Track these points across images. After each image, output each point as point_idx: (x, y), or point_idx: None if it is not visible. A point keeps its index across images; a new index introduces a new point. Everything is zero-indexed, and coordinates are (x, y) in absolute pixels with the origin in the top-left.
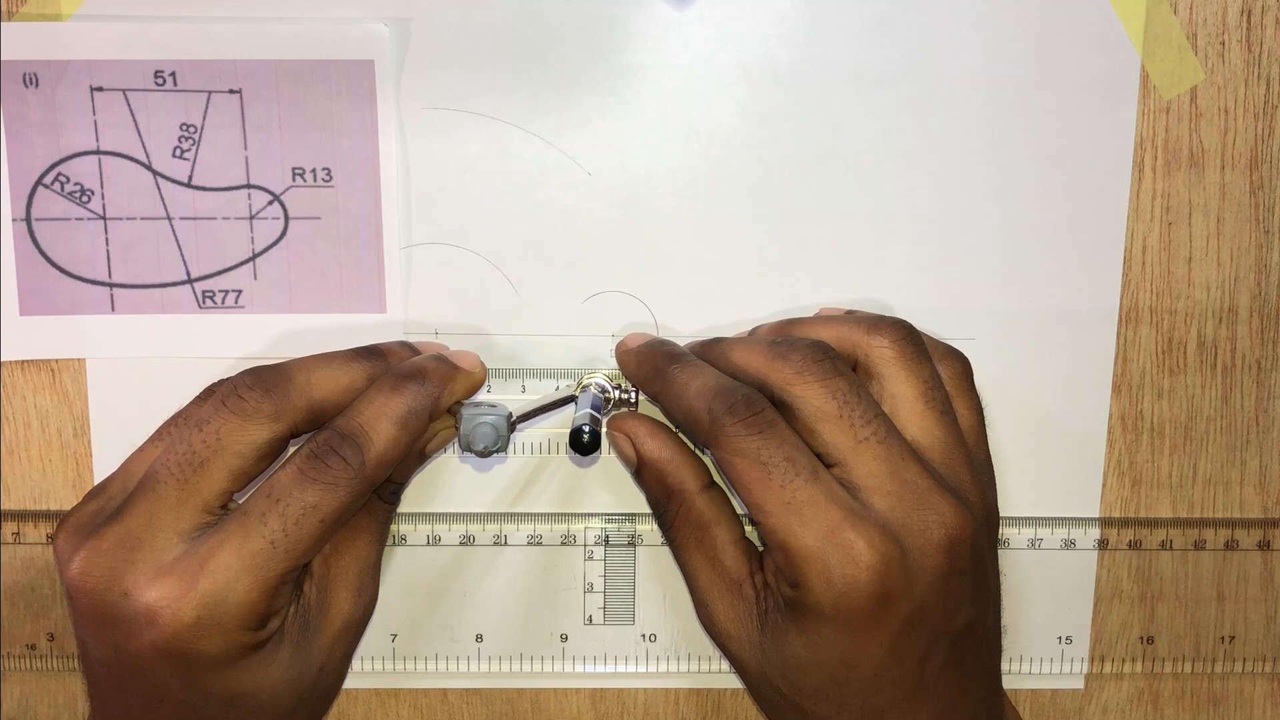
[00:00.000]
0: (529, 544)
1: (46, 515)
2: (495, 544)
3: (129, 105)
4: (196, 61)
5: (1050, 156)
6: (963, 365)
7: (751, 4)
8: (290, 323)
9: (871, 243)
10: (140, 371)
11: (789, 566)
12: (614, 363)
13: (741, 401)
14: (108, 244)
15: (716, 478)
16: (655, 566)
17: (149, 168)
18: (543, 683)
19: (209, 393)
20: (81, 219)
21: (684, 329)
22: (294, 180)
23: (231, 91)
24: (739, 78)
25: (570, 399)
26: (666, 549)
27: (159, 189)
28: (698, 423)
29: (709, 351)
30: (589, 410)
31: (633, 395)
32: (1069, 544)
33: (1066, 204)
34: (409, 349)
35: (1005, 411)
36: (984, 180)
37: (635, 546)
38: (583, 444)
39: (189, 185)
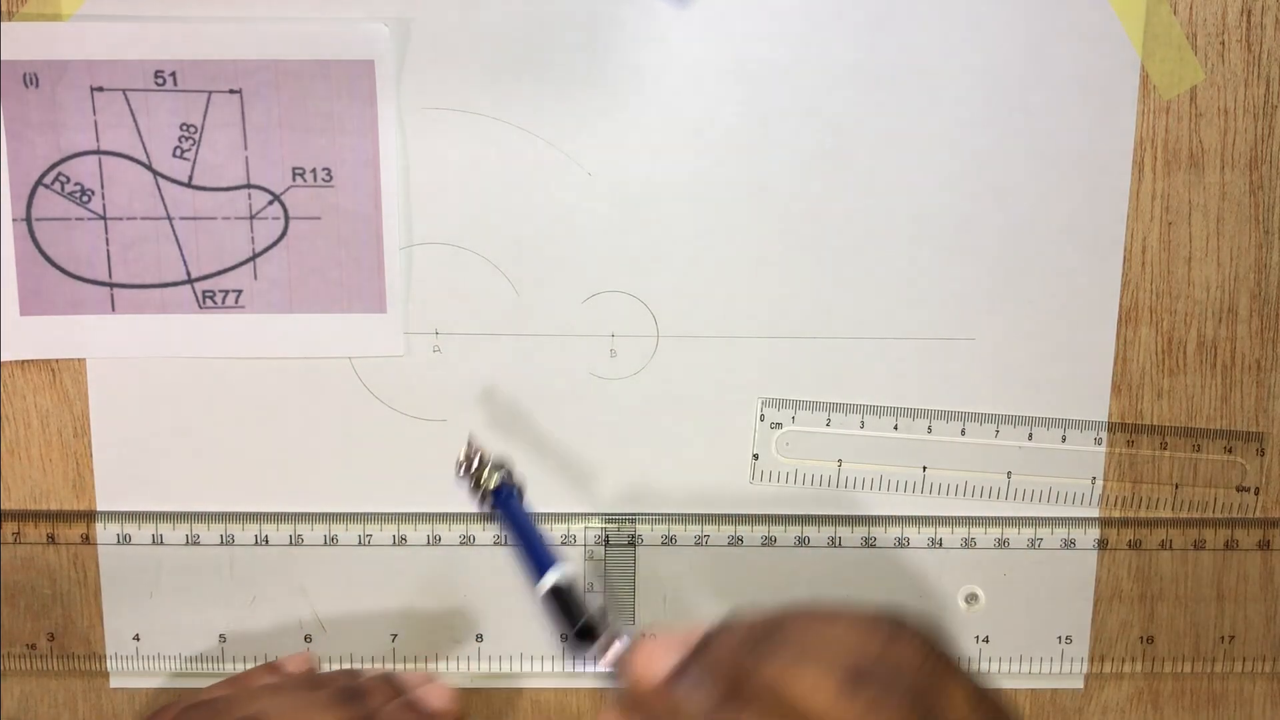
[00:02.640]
0: None
1: (47, 515)
2: (495, 544)
3: (129, 105)
4: (196, 61)
5: (1050, 156)
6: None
7: (751, 4)
8: (290, 322)
9: (871, 243)
10: (140, 371)
11: None
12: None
13: None
14: (108, 244)
15: None
16: (655, 567)
17: (149, 168)
18: (543, 682)
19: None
20: (82, 219)
21: (684, 329)
22: (294, 180)
23: (231, 91)
24: (739, 78)
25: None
26: (667, 549)
27: (159, 189)
28: None
29: (758, 674)
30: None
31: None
32: (1069, 544)
33: (1066, 204)
34: (390, 687)
35: (1005, 411)
36: (984, 180)
37: (635, 546)
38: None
39: (189, 185)
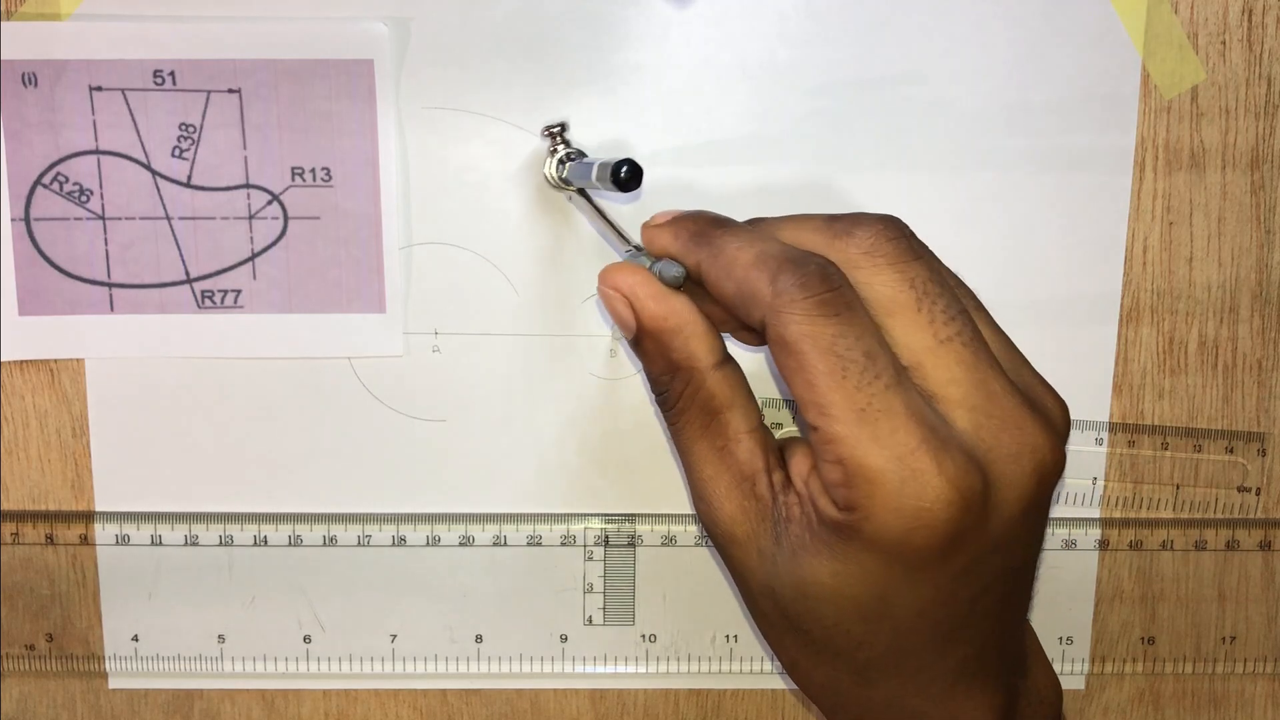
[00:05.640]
0: (529, 544)
1: (45, 516)
2: (495, 544)
3: (128, 105)
4: (195, 61)
5: (1050, 156)
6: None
7: (751, 4)
8: (289, 323)
9: None
10: (139, 371)
11: (846, 486)
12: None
13: (815, 273)
14: (107, 244)
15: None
16: (655, 567)
17: (148, 167)
18: (543, 683)
19: None
20: (80, 219)
21: None
22: (293, 180)
23: (230, 91)
24: (739, 78)
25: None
26: (667, 549)
27: (158, 189)
28: (756, 295)
29: (752, 224)
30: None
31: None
32: (1069, 544)
33: (1066, 204)
34: None
35: None
36: (984, 180)
37: (635, 547)
38: (623, 180)
39: (188, 185)
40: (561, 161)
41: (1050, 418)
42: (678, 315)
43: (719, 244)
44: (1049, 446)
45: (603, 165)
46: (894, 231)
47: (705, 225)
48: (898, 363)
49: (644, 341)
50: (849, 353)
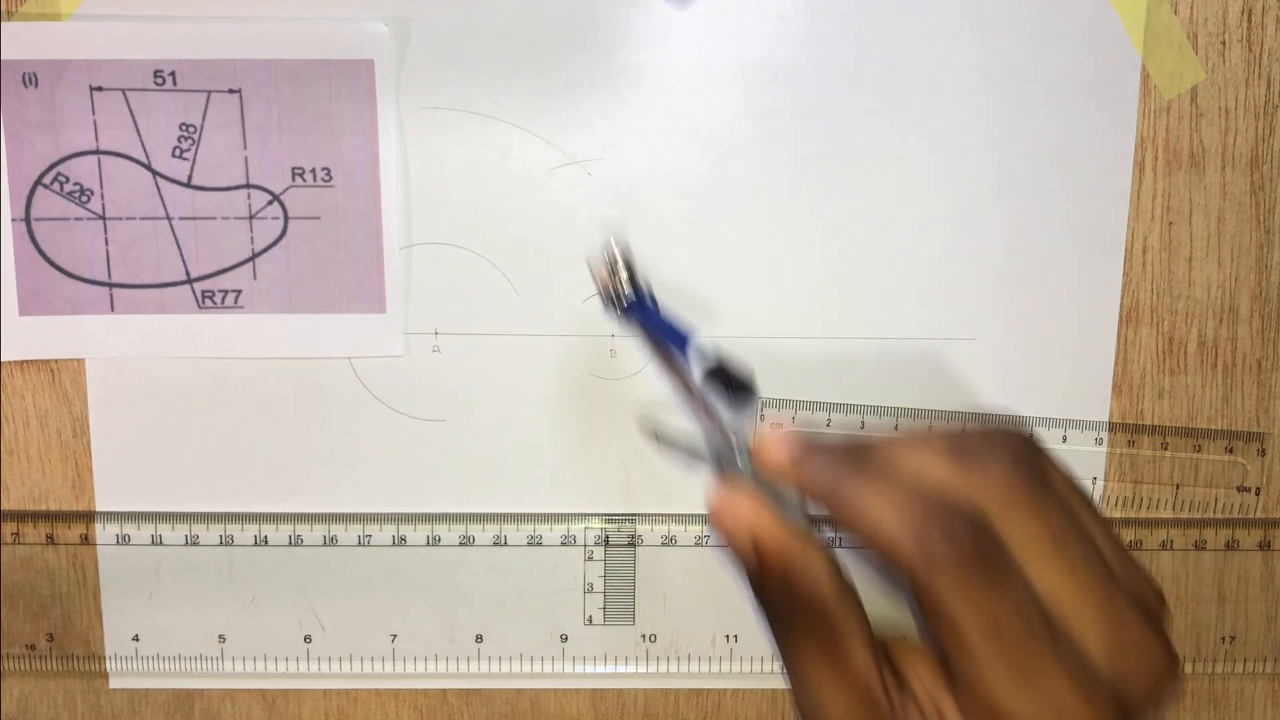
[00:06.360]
0: (529, 544)
1: (46, 515)
2: (495, 544)
3: (128, 105)
4: (196, 61)
5: (1050, 156)
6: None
7: (751, 4)
8: (289, 323)
9: (872, 243)
10: (140, 371)
11: None
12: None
13: (966, 534)
14: (107, 244)
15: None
16: (655, 567)
17: (148, 167)
18: (543, 683)
19: None
20: (81, 219)
21: None
22: (293, 180)
23: (231, 91)
24: (739, 78)
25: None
26: (667, 549)
27: (158, 189)
28: (899, 552)
29: (872, 455)
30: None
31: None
32: None
33: (1066, 204)
34: None
35: (1005, 411)
36: (984, 180)
37: (635, 547)
38: (734, 396)
39: (188, 185)
40: (623, 287)
41: (1161, 626)
42: (804, 554)
43: (852, 489)
44: (1173, 673)
45: (711, 371)
46: (1025, 463)
47: (834, 466)
48: (1048, 615)
49: (767, 578)
50: (1006, 617)
